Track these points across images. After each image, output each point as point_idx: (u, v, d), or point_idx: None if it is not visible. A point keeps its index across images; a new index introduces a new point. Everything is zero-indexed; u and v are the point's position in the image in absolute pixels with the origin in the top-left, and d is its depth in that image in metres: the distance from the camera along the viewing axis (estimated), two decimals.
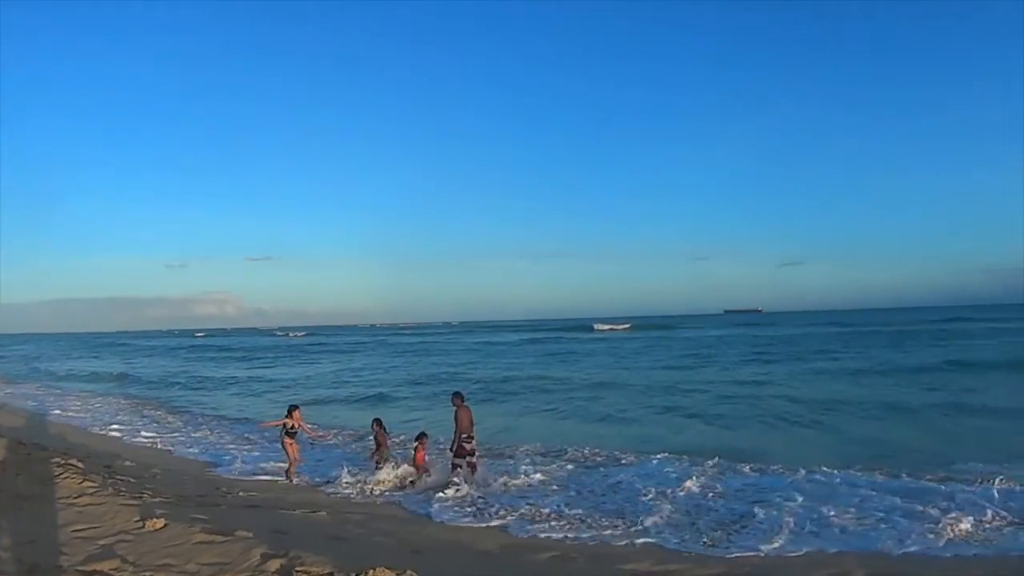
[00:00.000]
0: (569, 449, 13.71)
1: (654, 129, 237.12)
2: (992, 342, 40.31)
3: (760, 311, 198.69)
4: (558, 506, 9.61)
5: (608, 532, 8.47)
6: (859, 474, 10.85)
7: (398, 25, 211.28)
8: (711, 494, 10.03)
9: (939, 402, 18.66)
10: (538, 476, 11.41)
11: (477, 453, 11.38)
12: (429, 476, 11.17)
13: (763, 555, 7.52)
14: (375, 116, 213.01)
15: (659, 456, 12.67)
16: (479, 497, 10.20)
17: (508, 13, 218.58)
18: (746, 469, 11.62)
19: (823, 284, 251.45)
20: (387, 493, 10.82)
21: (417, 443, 11.58)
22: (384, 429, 12.17)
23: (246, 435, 16.83)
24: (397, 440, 13.98)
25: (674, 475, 11.21)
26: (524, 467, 11.92)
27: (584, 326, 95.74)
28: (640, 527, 8.60)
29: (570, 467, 12.26)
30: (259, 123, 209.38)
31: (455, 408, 11.32)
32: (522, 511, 9.43)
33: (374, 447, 12.14)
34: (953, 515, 8.32)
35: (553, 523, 8.90)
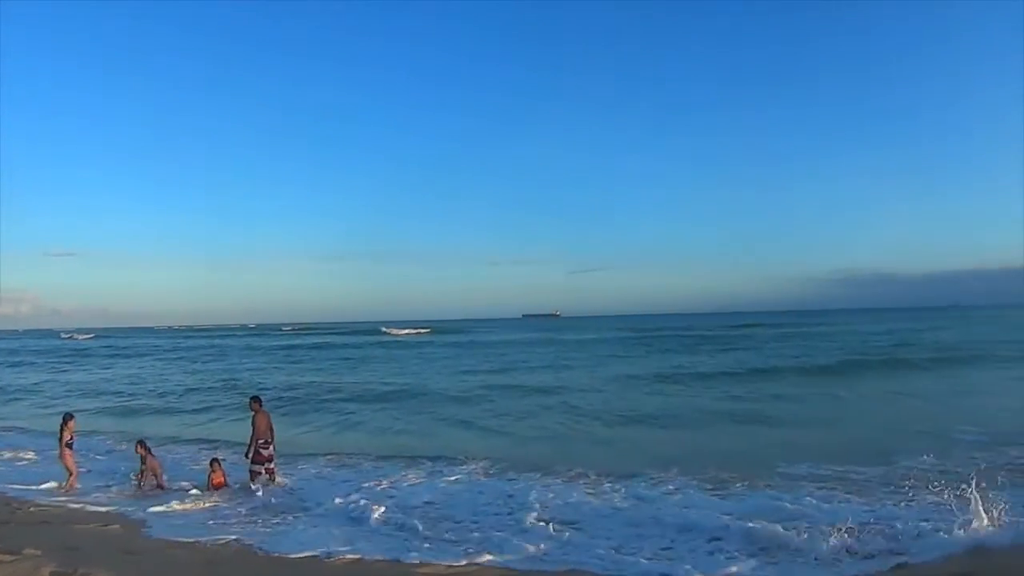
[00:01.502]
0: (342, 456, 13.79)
1: (452, 129, 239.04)
2: (771, 346, 45.18)
3: (558, 315, 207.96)
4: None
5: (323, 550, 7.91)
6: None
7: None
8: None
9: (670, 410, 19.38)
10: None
11: (275, 460, 11.47)
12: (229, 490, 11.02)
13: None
14: (173, 108, 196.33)
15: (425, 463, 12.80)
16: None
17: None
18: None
19: (617, 288, 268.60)
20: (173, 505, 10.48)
21: (211, 470, 11.34)
22: (149, 451, 11.72)
23: (32, 448, 15.40)
24: (177, 457, 13.63)
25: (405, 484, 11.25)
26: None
27: (376, 329, 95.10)
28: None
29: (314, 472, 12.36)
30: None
31: (252, 413, 11.31)
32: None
33: (140, 472, 11.57)
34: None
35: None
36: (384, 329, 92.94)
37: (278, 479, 11.33)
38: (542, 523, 8.44)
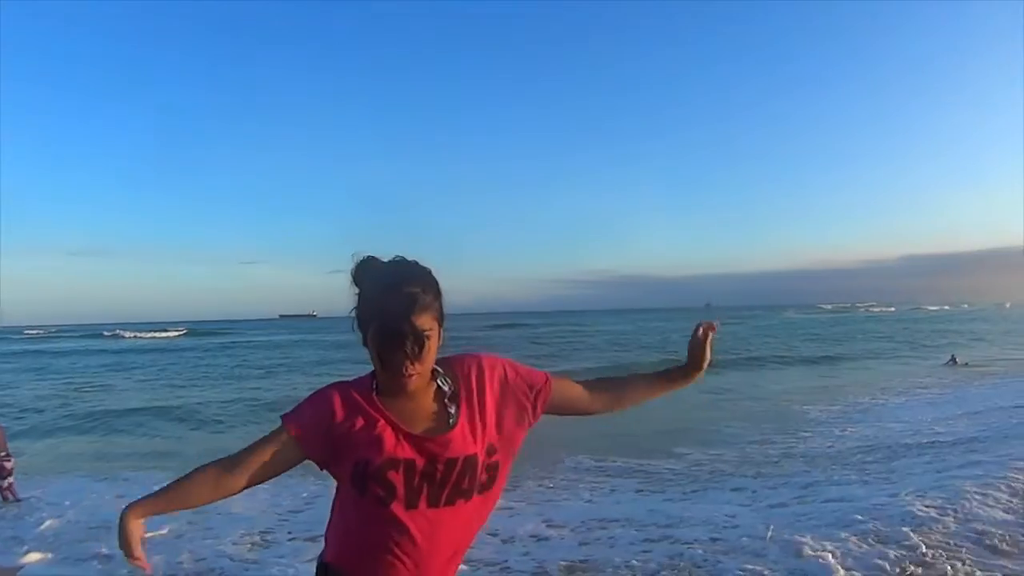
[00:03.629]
0: None
1: (198, 127, 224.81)
2: None
3: (315, 315, 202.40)
4: None
5: None
6: None
7: None
8: None
9: None
10: None
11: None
12: None
13: None
14: None
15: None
16: None
17: None
18: None
19: None
20: None
21: None
22: None
23: None
24: None
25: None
26: None
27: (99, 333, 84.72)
28: None
29: None
30: None
31: None
32: None
33: None
34: None
35: None
36: (120, 332, 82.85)
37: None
38: None
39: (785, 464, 9.53)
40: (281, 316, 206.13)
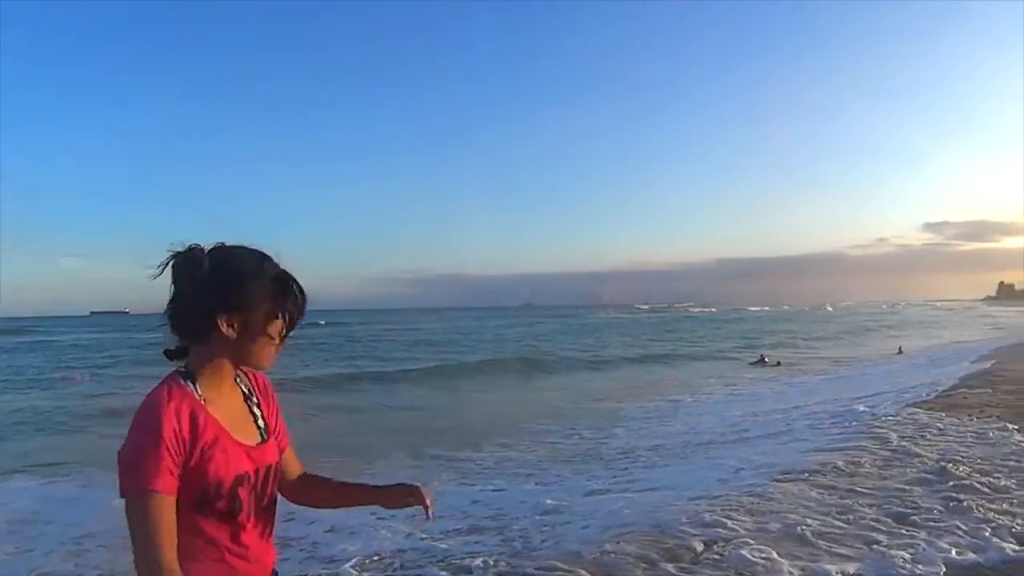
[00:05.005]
0: None
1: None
2: None
3: (128, 312, 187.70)
4: None
5: None
6: None
7: None
8: None
9: None
10: None
11: None
12: None
13: None
14: None
15: None
16: None
17: None
18: None
19: None
20: None
21: None
22: None
23: None
24: None
25: None
26: None
27: None
28: None
29: None
30: None
31: None
32: None
33: None
34: None
35: None
36: None
37: None
38: None
39: (584, 460, 10.05)
40: (92, 313, 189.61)
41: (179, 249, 1.64)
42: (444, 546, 5.69)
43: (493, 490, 8.16)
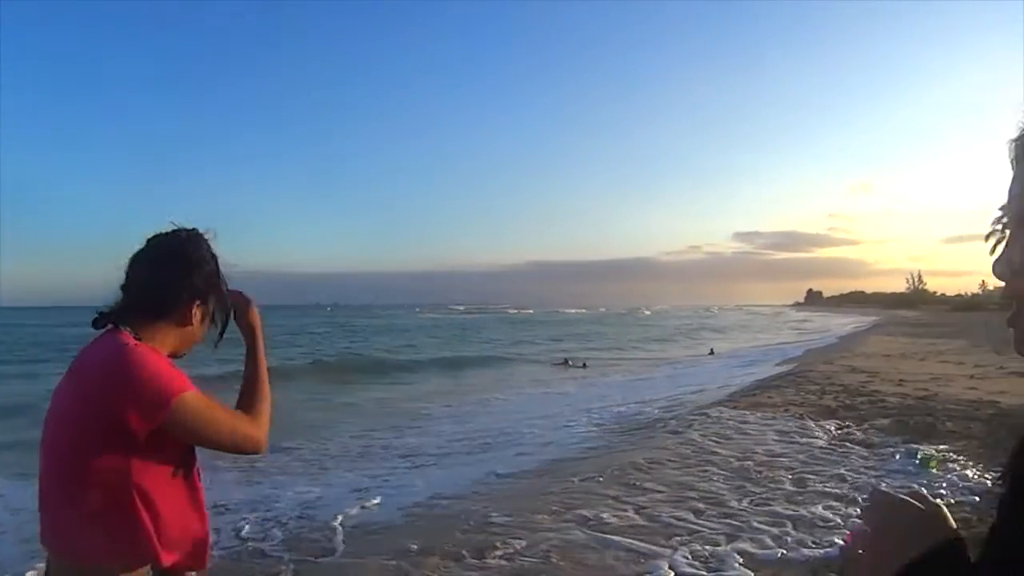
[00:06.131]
0: None
1: None
2: None
3: None
4: None
5: None
6: None
7: None
8: None
9: None
10: None
11: None
12: None
13: None
14: None
15: None
16: None
17: None
18: None
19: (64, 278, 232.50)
20: None
21: None
22: None
23: None
24: None
25: None
26: None
27: None
28: None
29: None
30: None
31: None
32: None
33: None
34: None
35: None
36: None
37: None
38: None
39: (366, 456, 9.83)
40: None
41: (184, 226, 1.72)
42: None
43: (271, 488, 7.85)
